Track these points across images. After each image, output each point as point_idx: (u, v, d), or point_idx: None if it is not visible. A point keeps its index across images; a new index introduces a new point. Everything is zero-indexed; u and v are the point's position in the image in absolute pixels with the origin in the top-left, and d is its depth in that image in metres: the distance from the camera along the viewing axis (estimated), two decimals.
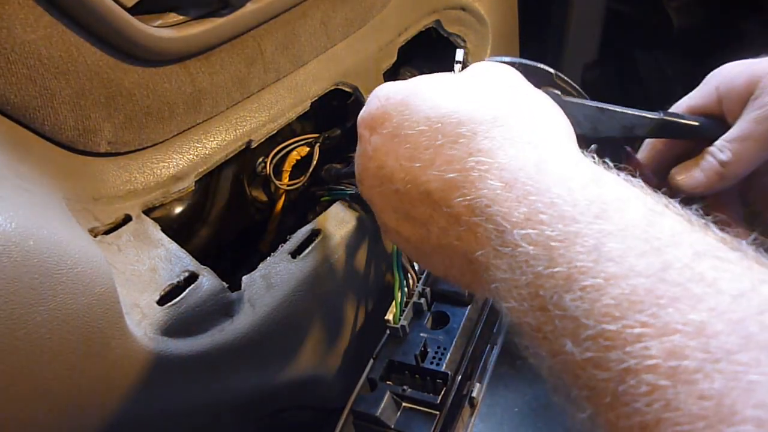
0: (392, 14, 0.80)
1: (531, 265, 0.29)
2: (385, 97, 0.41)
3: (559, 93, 0.50)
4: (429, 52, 0.92)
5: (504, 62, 0.49)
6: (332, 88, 0.74)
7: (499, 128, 0.35)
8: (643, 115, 0.51)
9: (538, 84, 0.49)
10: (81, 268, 0.40)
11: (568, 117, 0.46)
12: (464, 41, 0.89)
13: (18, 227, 0.36)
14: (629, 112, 0.51)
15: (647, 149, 0.56)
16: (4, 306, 0.35)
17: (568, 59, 1.27)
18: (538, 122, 0.37)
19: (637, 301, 0.25)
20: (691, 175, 0.49)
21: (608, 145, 0.50)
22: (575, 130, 0.45)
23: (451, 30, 0.89)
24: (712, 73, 0.52)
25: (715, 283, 0.25)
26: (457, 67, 0.51)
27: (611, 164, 0.34)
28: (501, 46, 0.93)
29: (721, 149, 0.48)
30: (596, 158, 0.35)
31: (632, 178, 0.33)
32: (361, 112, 0.43)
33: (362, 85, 0.76)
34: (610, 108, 0.50)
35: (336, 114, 0.81)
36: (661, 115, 0.51)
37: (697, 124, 0.51)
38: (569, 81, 0.50)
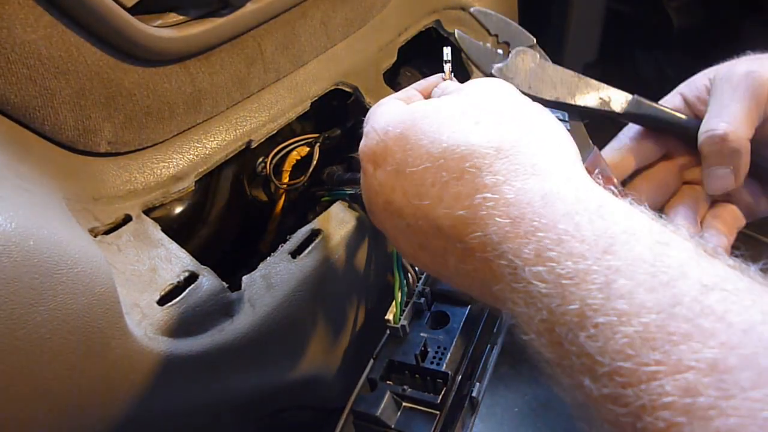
0: (392, 14, 0.80)
1: (544, 302, 0.30)
2: (383, 130, 0.40)
3: (539, 55, 0.51)
4: (429, 52, 0.92)
5: (488, 13, 0.50)
6: (332, 88, 0.74)
7: (502, 160, 0.35)
8: (619, 90, 0.52)
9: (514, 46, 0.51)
10: (81, 268, 0.40)
11: (546, 79, 0.47)
12: None
13: (18, 227, 0.36)
14: (605, 85, 0.52)
15: (614, 153, 0.57)
16: (4, 306, 0.35)
17: (568, 59, 1.27)
18: (542, 147, 0.36)
19: (649, 338, 0.26)
20: (713, 174, 0.51)
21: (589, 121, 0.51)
22: (552, 94, 0.46)
23: (451, 30, 0.89)
24: (703, 72, 0.53)
25: (725, 316, 0.25)
26: (447, 66, 0.51)
27: (618, 187, 0.34)
28: None
29: (713, 127, 0.49)
30: (601, 178, 0.35)
31: (637, 204, 0.33)
32: (362, 146, 0.43)
33: (362, 85, 0.76)
34: (586, 78, 0.51)
35: (336, 114, 0.81)
36: (636, 96, 0.52)
37: (671, 113, 0.53)
38: (545, 54, 0.52)
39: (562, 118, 0.49)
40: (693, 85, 0.52)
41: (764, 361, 0.24)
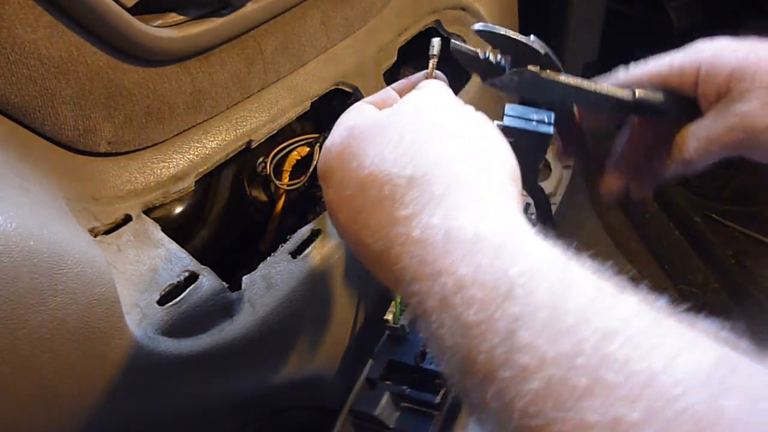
0: (392, 14, 0.80)
1: (454, 351, 0.29)
2: (327, 149, 0.40)
3: (536, 71, 0.48)
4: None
5: (493, 32, 0.48)
6: (332, 88, 0.74)
7: (414, 190, 0.34)
8: (619, 97, 0.50)
9: (517, 61, 0.48)
10: (81, 268, 0.40)
11: (542, 94, 0.46)
12: (464, 41, 0.89)
13: (18, 227, 0.36)
14: (605, 92, 0.50)
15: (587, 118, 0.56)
16: (4, 306, 0.35)
17: (568, 59, 1.27)
18: (457, 173, 0.35)
19: (552, 394, 0.25)
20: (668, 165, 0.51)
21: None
22: (547, 107, 0.45)
23: (451, 30, 0.89)
24: (698, 47, 0.49)
25: (627, 365, 0.25)
26: (431, 62, 0.49)
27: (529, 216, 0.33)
28: None
29: (685, 148, 0.48)
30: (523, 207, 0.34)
31: (543, 235, 0.32)
32: (318, 161, 0.43)
33: (362, 85, 0.76)
34: (586, 88, 0.49)
35: (336, 114, 0.81)
36: (634, 95, 0.50)
37: (662, 102, 0.51)
38: (555, 60, 0.50)
39: (547, 120, 0.47)
40: (715, 70, 0.47)
41: (668, 414, 0.23)
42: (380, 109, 0.44)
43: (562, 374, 0.25)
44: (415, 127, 0.37)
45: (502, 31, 0.48)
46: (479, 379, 0.28)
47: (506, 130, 0.46)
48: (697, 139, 0.47)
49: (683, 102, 0.49)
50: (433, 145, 0.36)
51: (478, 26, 0.49)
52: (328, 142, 0.41)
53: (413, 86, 0.46)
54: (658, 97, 0.50)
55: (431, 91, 0.41)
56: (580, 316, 0.27)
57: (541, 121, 0.47)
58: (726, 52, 0.46)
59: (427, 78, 0.47)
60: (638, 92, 0.50)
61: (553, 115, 0.47)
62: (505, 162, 0.37)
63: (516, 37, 0.48)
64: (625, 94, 0.50)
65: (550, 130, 0.47)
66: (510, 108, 0.48)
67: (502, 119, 0.48)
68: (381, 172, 0.36)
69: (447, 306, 0.30)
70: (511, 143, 0.42)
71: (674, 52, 0.50)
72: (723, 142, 0.46)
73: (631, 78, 0.52)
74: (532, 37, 0.49)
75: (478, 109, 0.42)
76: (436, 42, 0.49)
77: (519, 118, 0.47)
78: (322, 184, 0.42)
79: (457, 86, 0.85)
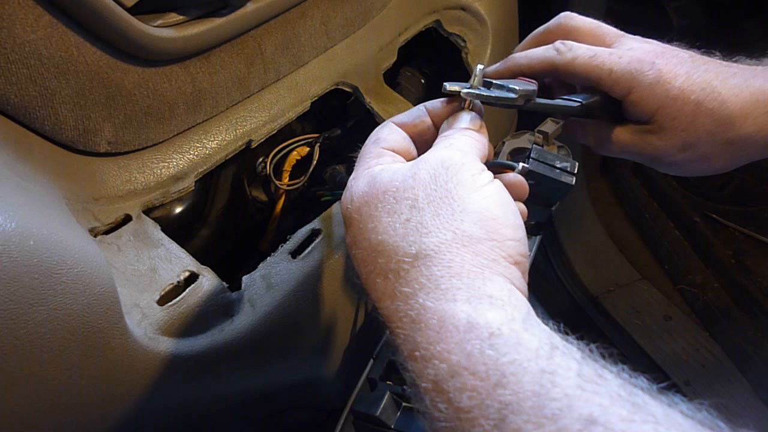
0: (392, 14, 0.80)
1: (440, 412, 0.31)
2: (350, 198, 0.41)
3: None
4: (429, 52, 0.92)
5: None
6: (332, 88, 0.74)
7: (416, 269, 0.36)
8: (568, 106, 0.50)
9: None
10: (81, 268, 0.40)
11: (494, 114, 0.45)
12: (464, 41, 0.89)
13: (18, 227, 0.36)
14: (553, 103, 0.50)
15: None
16: (4, 306, 0.35)
17: None
18: (458, 254, 0.36)
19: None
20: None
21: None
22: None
23: (451, 30, 0.89)
24: (637, 65, 0.47)
25: None
26: (466, 92, 0.45)
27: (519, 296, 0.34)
28: (501, 46, 0.93)
29: (604, 145, 0.51)
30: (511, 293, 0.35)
31: (535, 323, 0.33)
32: (342, 197, 0.43)
33: (362, 85, 0.76)
34: (535, 102, 0.49)
35: (336, 114, 0.81)
36: (582, 102, 0.50)
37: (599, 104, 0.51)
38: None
39: (570, 169, 0.47)
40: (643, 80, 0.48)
41: None
42: (410, 132, 0.45)
43: None
44: (427, 199, 0.38)
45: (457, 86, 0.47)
46: None
47: (529, 174, 0.47)
48: (616, 143, 0.50)
49: (611, 102, 0.50)
50: (440, 224, 0.37)
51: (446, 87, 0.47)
52: (352, 187, 0.41)
53: (448, 114, 0.46)
54: (597, 100, 0.50)
55: (449, 154, 0.40)
56: (564, 403, 0.28)
57: (564, 169, 0.48)
58: (658, 88, 0.46)
59: (464, 109, 0.46)
60: (585, 100, 0.50)
61: (576, 165, 0.48)
62: (511, 242, 0.37)
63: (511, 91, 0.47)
64: (573, 104, 0.50)
65: (572, 180, 0.47)
66: (536, 151, 0.48)
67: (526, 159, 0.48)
68: (391, 244, 0.37)
69: (440, 389, 0.31)
70: (531, 185, 0.43)
71: (609, 54, 0.48)
72: (634, 157, 0.50)
73: (574, 66, 0.50)
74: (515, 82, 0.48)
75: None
76: (478, 71, 0.46)
77: (543, 163, 0.48)
78: (344, 223, 0.42)
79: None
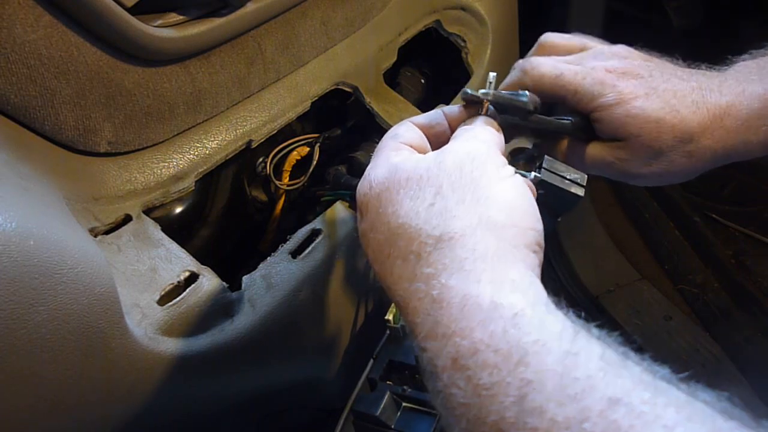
0: (392, 14, 0.80)
1: (462, 411, 0.31)
2: (369, 185, 0.41)
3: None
4: (429, 52, 0.92)
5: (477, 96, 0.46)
6: (332, 88, 0.74)
7: (439, 251, 0.36)
8: (561, 121, 0.50)
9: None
10: (81, 268, 0.40)
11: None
12: (464, 41, 0.89)
13: (18, 227, 0.36)
14: (550, 120, 0.50)
15: None
16: (4, 306, 0.35)
17: None
18: (483, 238, 0.36)
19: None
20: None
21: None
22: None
23: (451, 30, 0.89)
24: (592, 91, 0.49)
25: None
26: (486, 103, 0.46)
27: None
28: (501, 46, 0.93)
29: (578, 160, 0.51)
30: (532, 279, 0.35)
31: (556, 309, 0.33)
32: (359, 185, 0.43)
33: (362, 85, 0.76)
34: (537, 117, 0.49)
35: (336, 114, 0.81)
36: (572, 120, 0.50)
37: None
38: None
39: (580, 182, 0.47)
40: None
41: None
42: (426, 133, 0.46)
43: None
44: (452, 186, 0.39)
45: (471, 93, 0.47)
46: None
47: (540, 183, 0.47)
48: (587, 158, 0.51)
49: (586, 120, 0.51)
50: (464, 210, 0.37)
51: (465, 95, 0.47)
52: (371, 174, 0.42)
53: (465, 117, 0.47)
54: (583, 121, 0.51)
55: (474, 146, 0.41)
56: (587, 384, 0.28)
57: (574, 181, 0.48)
58: (620, 109, 0.48)
59: (480, 114, 0.47)
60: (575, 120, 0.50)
61: (586, 177, 0.48)
62: (532, 231, 0.38)
63: (510, 101, 0.47)
64: (564, 122, 0.50)
65: (581, 192, 0.48)
66: (547, 162, 0.48)
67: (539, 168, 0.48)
68: (413, 227, 0.37)
69: (460, 366, 0.32)
70: (541, 194, 0.44)
71: (574, 74, 0.49)
72: (603, 171, 0.51)
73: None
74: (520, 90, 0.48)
75: None
76: (492, 77, 0.47)
77: (554, 174, 0.48)
78: (358, 212, 0.43)
79: (457, 86, 0.85)
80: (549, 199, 0.45)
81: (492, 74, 0.47)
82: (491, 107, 0.46)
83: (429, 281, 0.35)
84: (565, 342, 0.31)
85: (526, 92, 0.46)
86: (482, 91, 0.45)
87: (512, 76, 0.52)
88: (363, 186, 0.42)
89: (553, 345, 0.30)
